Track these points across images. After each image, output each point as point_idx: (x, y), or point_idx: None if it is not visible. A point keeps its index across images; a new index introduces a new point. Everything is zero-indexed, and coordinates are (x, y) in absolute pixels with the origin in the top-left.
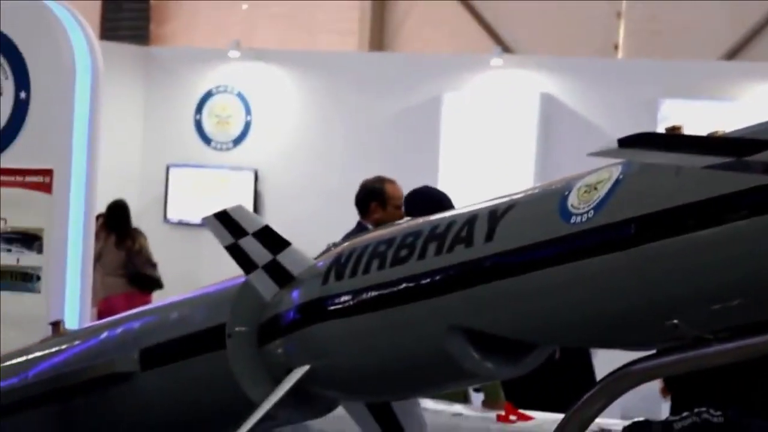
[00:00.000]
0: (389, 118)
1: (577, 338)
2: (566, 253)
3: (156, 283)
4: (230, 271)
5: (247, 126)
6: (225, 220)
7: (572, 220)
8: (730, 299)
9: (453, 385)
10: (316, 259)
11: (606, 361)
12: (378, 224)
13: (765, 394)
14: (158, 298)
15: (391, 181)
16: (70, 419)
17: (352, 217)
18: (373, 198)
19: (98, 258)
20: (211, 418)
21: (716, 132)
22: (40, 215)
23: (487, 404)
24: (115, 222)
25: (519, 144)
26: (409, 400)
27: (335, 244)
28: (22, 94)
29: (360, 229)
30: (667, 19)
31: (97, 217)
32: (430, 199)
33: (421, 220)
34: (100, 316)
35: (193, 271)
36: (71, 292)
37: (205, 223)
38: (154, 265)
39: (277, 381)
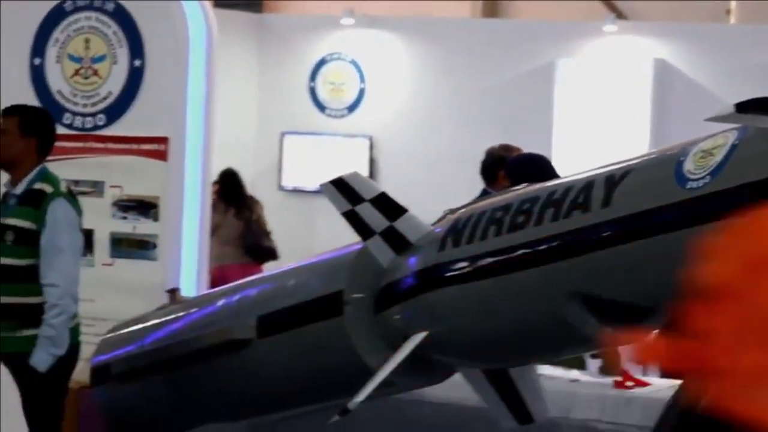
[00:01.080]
0: (503, 84)
1: None
2: (683, 218)
3: (272, 254)
4: (345, 238)
5: (361, 93)
6: (342, 187)
7: (688, 186)
8: None
9: (570, 350)
10: (432, 225)
11: None
12: None
13: None
14: (271, 267)
15: (518, 150)
16: (187, 386)
17: (467, 184)
18: (500, 166)
19: (216, 228)
20: (328, 385)
21: None
22: (155, 183)
23: (604, 370)
24: (230, 191)
25: (633, 110)
26: (526, 366)
27: (452, 211)
28: (137, 62)
29: (485, 197)
30: None
31: (213, 184)
32: (535, 166)
33: (537, 186)
34: (213, 284)
35: (308, 238)
36: (187, 260)
37: (322, 189)
38: (269, 236)
39: (395, 348)
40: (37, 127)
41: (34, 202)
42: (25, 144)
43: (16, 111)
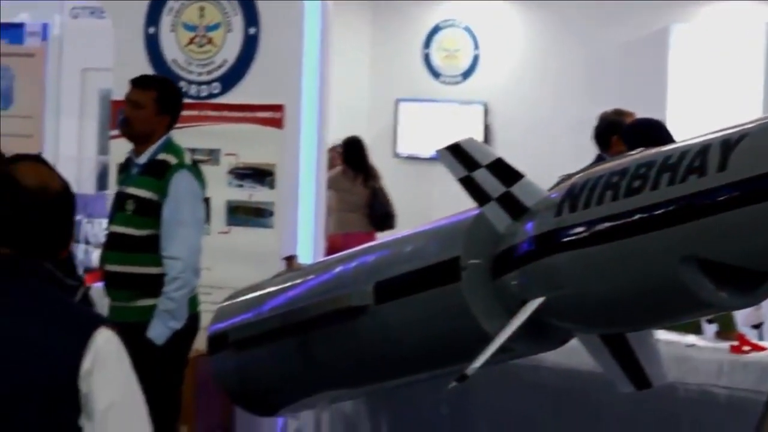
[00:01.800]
0: (617, 50)
1: None
2: None
3: (393, 222)
4: (460, 204)
5: (476, 59)
6: (458, 153)
7: None
8: None
9: (687, 315)
10: (549, 191)
11: None
12: None
13: None
14: (385, 235)
15: (631, 114)
16: (304, 353)
17: (581, 149)
18: (613, 131)
19: (341, 195)
20: (445, 351)
21: None
22: (271, 151)
23: (721, 335)
24: (356, 159)
25: (746, 75)
26: (643, 331)
27: (568, 176)
28: (252, 30)
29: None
30: None
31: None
32: (650, 131)
33: (653, 150)
34: (330, 252)
35: (423, 204)
36: (304, 227)
37: (438, 156)
38: (390, 204)
39: (512, 313)
40: (173, 104)
41: (157, 173)
42: (159, 120)
43: (153, 85)
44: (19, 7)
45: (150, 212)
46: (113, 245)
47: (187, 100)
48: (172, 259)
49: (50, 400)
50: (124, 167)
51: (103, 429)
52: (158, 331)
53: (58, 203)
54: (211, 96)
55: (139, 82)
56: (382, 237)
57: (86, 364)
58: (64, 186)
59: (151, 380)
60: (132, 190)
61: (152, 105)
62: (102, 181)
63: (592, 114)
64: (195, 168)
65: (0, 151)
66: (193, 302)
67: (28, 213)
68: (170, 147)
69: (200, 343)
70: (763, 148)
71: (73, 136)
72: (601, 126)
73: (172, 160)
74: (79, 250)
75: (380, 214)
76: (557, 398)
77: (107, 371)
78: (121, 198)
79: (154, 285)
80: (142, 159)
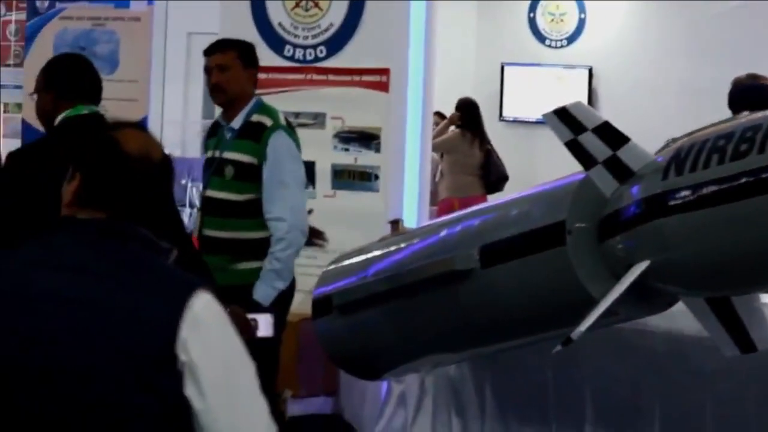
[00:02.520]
0: (722, 10)
1: None
2: None
3: (504, 185)
4: (565, 168)
5: (582, 23)
6: (564, 117)
7: None
8: None
9: None
10: (655, 154)
11: None
12: None
13: None
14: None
15: (766, 78)
16: (408, 317)
17: (688, 112)
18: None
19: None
20: (551, 315)
21: None
22: (377, 114)
23: None
24: (472, 120)
25: None
26: (749, 295)
27: (674, 140)
28: None
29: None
30: None
31: (435, 114)
32: (757, 94)
33: (760, 114)
34: (442, 215)
35: (529, 168)
36: (409, 191)
37: (545, 120)
38: (503, 166)
39: (617, 277)
40: (254, 59)
41: (254, 135)
42: (247, 77)
43: (231, 45)
44: None
45: (250, 177)
46: (211, 210)
47: (292, 64)
48: (276, 221)
49: (147, 369)
50: (213, 131)
51: (213, 399)
52: (264, 293)
53: (158, 171)
54: (317, 60)
55: (217, 47)
56: (492, 201)
57: (183, 331)
58: (165, 155)
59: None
60: (230, 155)
61: (237, 63)
62: None
63: (697, 77)
64: (290, 128)
65: (103, 117)
66: None
67: (130, 179)
68: (263, 108)
69: (304, 306)
70: None
71: (178, 101)
72: (735, 91)
73: (267, 121)
74: (184, 214)
75: (495, 177)
76: (662, 362)
77: (208, 337)
78: (217, 163)
79: (254, 249)
80: (236, 123)
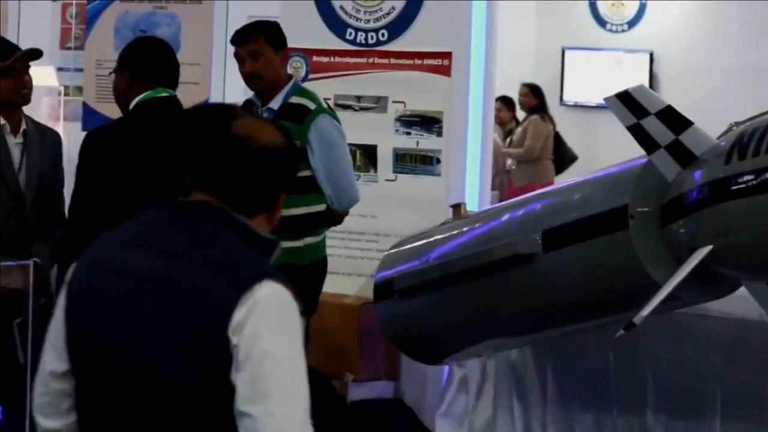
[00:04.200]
0: None
1: None
2: None
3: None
4: (627, 153)
5: (642, 7)
6: (627, 101)
7: None
8: None
9: None
10: (717, 139)
11: None
12: None
13: None
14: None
15: None
16: (470, 301)
17: (750, 97)
18: None
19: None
20: (613, 299)
21: None
22: (439, 98)
23: None
24: (542, 104)
25: None
26: None
27: (737, 124)
28: None
29: None
30: None
31: (497, 100)
32: None
33: None
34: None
35: (590, 153)
36: (471, 175)
37: (607, 103)
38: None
39: (680, 261)
40: (283, 38)
41: (296, 117)
42: (280, 59)
43: (258, 30)
44: None
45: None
46: None
47: (354, 48)
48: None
49: (198, 346)
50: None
51: (255, 385)
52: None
53: (271, 159)
54: (379, 43)
55: (243, 35)
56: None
57: (239, 315)
58: (288, 145)
59: None
60: None
61: (268, 47)
62: None
63: (757, 59)
64: (331, 111)
65: (179, 101)
66: (319, 248)
67: (240, 165)
68: (302, 91)
69: (366, 291)
70: None
71: (239, 84)
72: None
73: (310, 104)
74: None
75: (567, 158)
76: (724, 347)
77: (264, 323)
78: None
79: (305, 224)
80: (275, 104)
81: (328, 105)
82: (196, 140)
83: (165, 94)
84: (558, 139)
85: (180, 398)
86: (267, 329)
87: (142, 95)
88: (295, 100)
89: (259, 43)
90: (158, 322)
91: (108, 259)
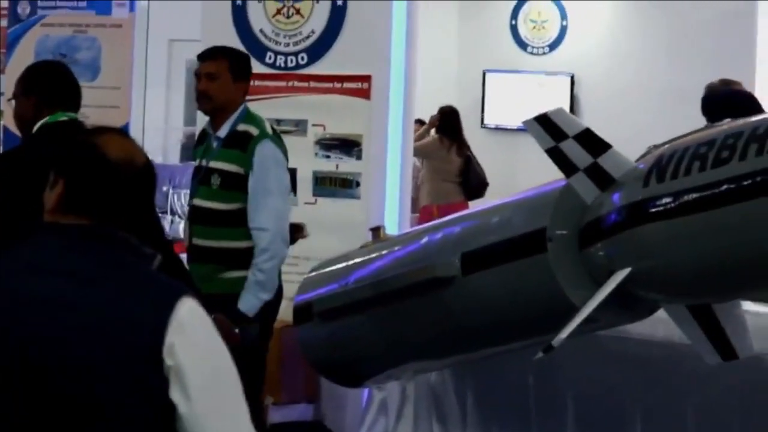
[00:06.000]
0: (705, 20)
1: None
2: None
3: (484, 191)
4: (548, 176)
5: (563, 30)
6: (546, 124)
7: None
8: None
9: None
10: (636, 161)
11: None
12: None
13: None
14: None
15: (739, 83)
16: (390, 324)
17: (668, 119)
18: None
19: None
20: (532, 322)
21: None
22: (358, 121)
23: None
24: (452, 128)
25: None
26: (730, 302)
27: (655, 147)
28: (339, 1)
29: None
30: None
31: (416, 122)
32: (739, 101)
33: (741, 121)
34: (424, 222)
35: (510, 176)
36: (391, 198)
37: (526, 126)
38: (483, 173)
39: (599, 284)
40: (246, 71)
41: (240, 145)
42: (235, 88)
43: (224, 54)
44: None
45: (236, 186)
46: (198, 219)
47: (274, 71)
48: (260, 231)
49: (134, 373)
50: (201, 140)
51: (198, 403)
52: (250, 303)
53: (141, 177)
54: (298, 67)
55: (209, 54)
56: (473, 207)
57: (170, 336)
58: (148, 161)
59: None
60: (216, 164)
61: (227, 74)
62: (188, 152)
63: (678, 84)
64: (277, 137)
65: (82, 123)
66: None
67: (113, 184)
68: (249, 117)
69: (286, 314)
70: None
71: (159, 108)
72: (708, 97)
73: (253, 130)
74: (165, 221)
75: (475, 183)
76: (643, 369)
77: (194, 343)
78: (204, 172)
79: (241, 258)
80: (222, 131)
81: (275, 130)
82: (70, 166)
83: (64, 118)
84: (468, 164)
85: (122, 424)
86: (196, 346)
87: (43, 120)
88: (241, 127)
89: (219, 65)
90: (85, 350)
91: (9, 287)
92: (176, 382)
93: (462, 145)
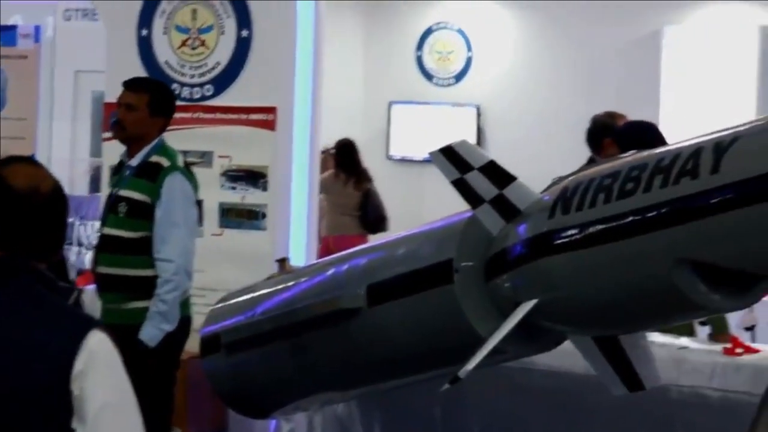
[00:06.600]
0: (610, 52)
1: None
2: None
3: (386, 225)
4: (453, 207)
5: (469, 62)
6: (451, 155)
7: None
8: None
9: (680, 318)
10: (541, 193)
11: None
12: None
13: None
14: (377, 237)
15: (623, 116)
16: (296, 355)
17: (575, 151)
18: (605, 133)
19: (333, 198)
20: (440, 353)
21: None
22: (264, 153)
23: (714, 337)
24: (348, 162)
25: (739, 77)
26: (636, 333)
27: (560, 178)
28: (244, 33)
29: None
30: None
31: (323, 154)
32: (643, 133)
33: (645, 153)
34: (323, 254)
35: (416, 207)
36: (296, 229)
37: (431, 158)
38: (383, 207)
39: (505, 315)
40: (166, 107)
41: (150, 175)
42: (152, 123)
43: (146, 88)
44: (11, 9)
45: (142, 214)
46: (105, 247)
47: (179, 103)
48: (164, 262)
49: (42, 402)
50: (117, 170)
51: (95, 430)
52: (151, 334)
53: (49, 204)
54: (204, 98)
55: (131, 85)
56: (375, 240)
57: (78, 365)
58: (56, 187)
59: (144, 382)
60: (124, 193)
61: (145, 107)
62: (95, 183)
63: (585, 115)
64: (187, 170)
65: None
66: (185, 305)
67: (19, 214)
68: (163, 149)
69: (193, 345)
70: (755, 150)
71: (65, 139)
72: (593, 128)
73: (164, 162)
74: (72, 252)
75: (373, 218)
76: (550, 400)
77: (100, 373)
78: (113, 200)
79: (146, 287)
80: (135, 161)
81: (187, 164)
82: None
83: None
84: (366, 197)
85: None
86: (103, 378)
87: None
88: (154, 158)
89: (139, 98)
90: None
91: None
92: (79, 412)
93: (361, 179)
